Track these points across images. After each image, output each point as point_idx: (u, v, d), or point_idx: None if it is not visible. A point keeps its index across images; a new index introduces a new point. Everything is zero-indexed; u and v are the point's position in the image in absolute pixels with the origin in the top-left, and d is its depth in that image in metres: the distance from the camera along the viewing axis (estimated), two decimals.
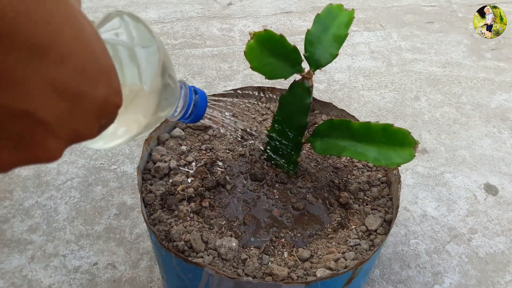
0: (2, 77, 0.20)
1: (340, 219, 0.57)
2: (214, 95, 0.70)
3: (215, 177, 0.60)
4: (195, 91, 0.44)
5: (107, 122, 0.27)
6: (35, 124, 0.22)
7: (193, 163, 0.62)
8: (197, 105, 0.43)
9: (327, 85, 1.18)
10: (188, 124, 0.68)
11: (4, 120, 0.21)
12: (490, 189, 0.92)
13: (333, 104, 0.69)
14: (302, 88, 0.55)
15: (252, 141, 0.66)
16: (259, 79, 1.16)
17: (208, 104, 0.47)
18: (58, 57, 0.22)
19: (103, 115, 0.26)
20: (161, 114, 0.38)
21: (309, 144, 0.59)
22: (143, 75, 0.33)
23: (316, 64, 0.55)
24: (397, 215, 0.54)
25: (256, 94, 0.73)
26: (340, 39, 0.55)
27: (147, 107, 0.35)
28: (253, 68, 0.54)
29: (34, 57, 0.21)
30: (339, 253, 0.52)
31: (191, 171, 0.61)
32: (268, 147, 0.62)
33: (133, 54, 0.33)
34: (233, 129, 0.60)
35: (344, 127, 0.55)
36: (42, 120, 0.22)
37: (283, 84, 0.62)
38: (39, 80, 0.21)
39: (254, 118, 0.69)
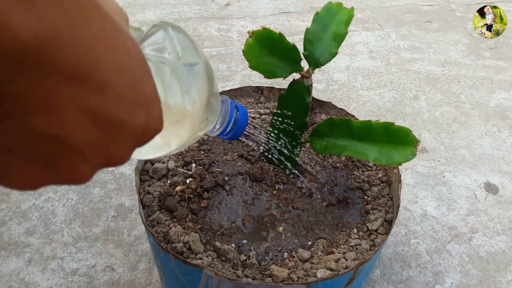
0: (37, 102, 0.19)
1: (340, 219, 0.57)
2: None
3: (214, 178, 0.59)
4: (236, 107, 0.42)
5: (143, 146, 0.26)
6: (67, 149, 0.21)
7: (192, 164, 0.61)
8: (237, 122, 0.42)
9: (326, 85, 1.17)
10: None
11: (36, 142, 0.21)
12: (491, 188, 0.92)
13: (332, 103, 0.69)
14: (302, 87, 0.54)
15: (251, 141, 0.65)
16: (257, 80, 1.15)
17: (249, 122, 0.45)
18: (98, 85, 0.21)
19: (140, 141, 0.25)
20: (199, 133, 0.36)
21: (309, 143, 0.58)
22: (186, 95, 0.31)
23: (316, 63, 0.54)
24: (397, 214, 0.53)
25: (255, 93, 0.72)
26: (339, 38, 0.54)
27: (189, 125, 0.33)
28: (251, 67, 0.53)
29: (73, 85, 0.20)
30: (339, 253, 0.51)
31: (189, 172, 0.60)
32: (267, 147, 0.61)
33: (177, 72, 0.31)
34: (266, 145, 0.59)
35: (344, 126, 0.54)
36: (74, 146, 0.21)
37: (282, 83, 0.62)
38: (75, 108, 0.20)
39: (253, 118, 0.69)
